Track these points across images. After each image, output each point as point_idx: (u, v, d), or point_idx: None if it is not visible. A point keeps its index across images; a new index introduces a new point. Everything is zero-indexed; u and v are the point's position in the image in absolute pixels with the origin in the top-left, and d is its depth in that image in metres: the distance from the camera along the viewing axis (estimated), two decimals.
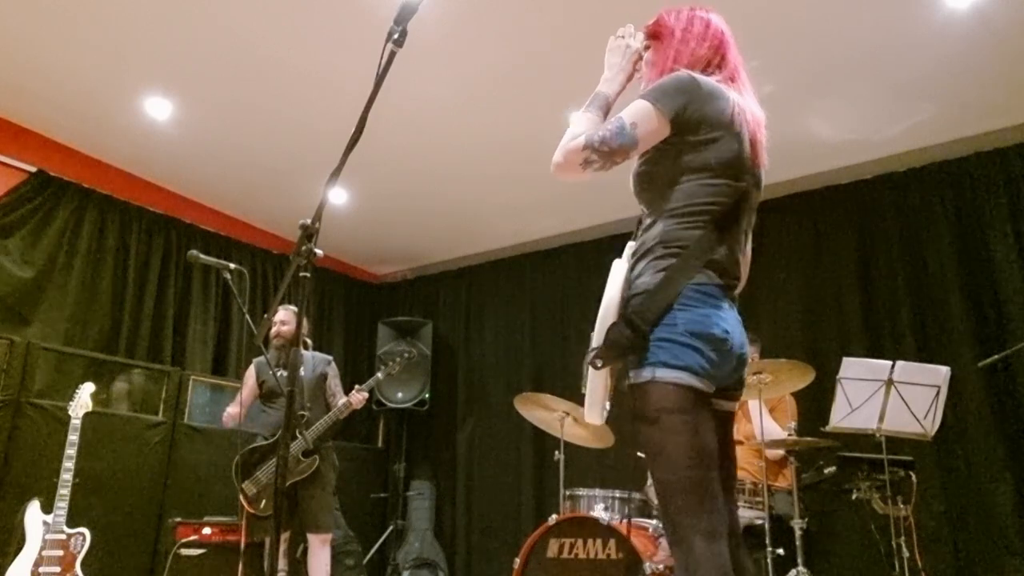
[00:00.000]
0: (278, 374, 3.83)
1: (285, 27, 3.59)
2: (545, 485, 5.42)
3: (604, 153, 1.58)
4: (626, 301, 1.57)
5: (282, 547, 3.78)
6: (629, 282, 1.60)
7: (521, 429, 5.38)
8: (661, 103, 1.58)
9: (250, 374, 4.01)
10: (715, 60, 1.72)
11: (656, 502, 1.54)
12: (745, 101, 1.68)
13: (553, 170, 1.65)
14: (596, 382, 1.55)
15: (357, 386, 3.89)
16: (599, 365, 1.52)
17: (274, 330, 3.99)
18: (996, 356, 3.45)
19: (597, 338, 1.54)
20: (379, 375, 4.00)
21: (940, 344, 4.12)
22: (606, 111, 1.72)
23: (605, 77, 1.80)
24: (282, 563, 3.77)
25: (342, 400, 3.86)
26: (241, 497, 3.72)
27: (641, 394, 1.51)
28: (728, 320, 1.56)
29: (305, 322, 4.07)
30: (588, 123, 1.66)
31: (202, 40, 3.69)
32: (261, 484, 3.72)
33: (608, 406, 1.60)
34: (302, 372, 3.89)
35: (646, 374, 1.49)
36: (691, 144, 1.59)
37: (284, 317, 4.03)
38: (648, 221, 1.66)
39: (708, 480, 1.47)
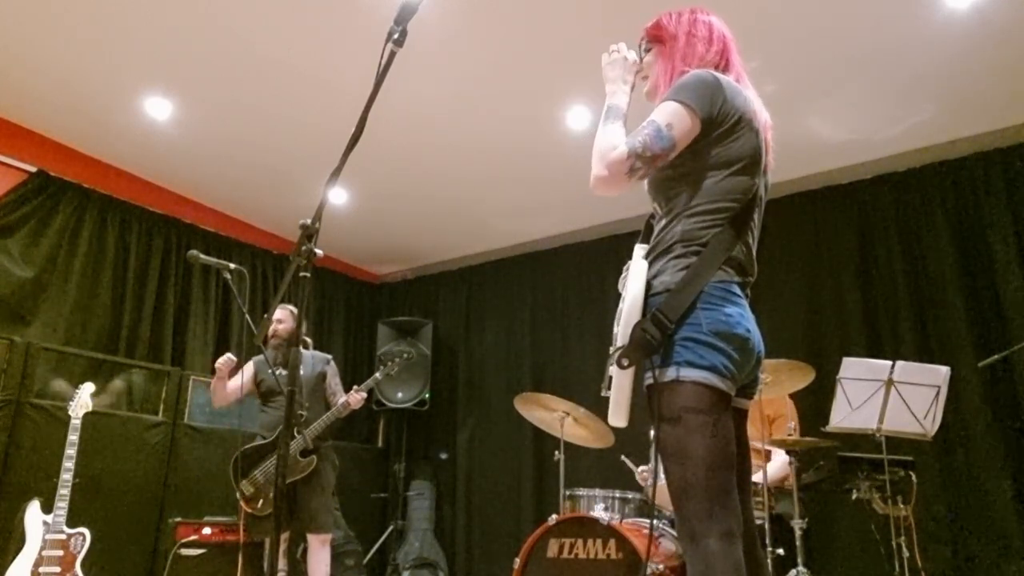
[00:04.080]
0: (277, 373, 3.83)
1: (285, 27, 3.59)
2: (545, 485, 5.42)
3: (647, 159, 1.56)
4: (646, 300, 1.55)
5: (282, 547, 3.77)
6: (648, 282, 1.58)
7: (521, 429, 5.38)
8: (691, 101, 1.57)
9: (248, 369, 4.00)
10: (721, 63, 1.72)
11: (670, 501, 1.53)
12: (757, 102, 1.69)
13: (596, 184, 1.61)
14: (622, 383, 1.52)
15: (356, 386, 3.89)
16: (625, 364, 1.50)
17: (271, 329, 3.99)
18: (996, 356, 3.45)
19: (621, 338, 1.52)
20: (378, 375, 3.99)
21: (940, 344, 4.12)
22: (624, 122, 1.70)
23: (611, 90, 1.76)
24: (282, 563, 3.77)
25: (341, 400, 3.86)
26: (238, 496, 3.72)
27: (664, 394, 1.50)
28: (748, 318, 1.57)
29: (293, 319, 4.09)
30: (617, 134, 1.63)
31: (202, 40, 3.69)
32: (259, 483, 3.72)
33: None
34: (301, 371, 3.89)
35: (670, 373, 1.48)
36: (716, 140, 1.59)
37: (281, 316, 4.03)
38: (664, 221, 1.65)
39: (727, 481, 1.47)
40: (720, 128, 1.59)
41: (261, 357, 3.94)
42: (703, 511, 1.44)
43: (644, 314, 1.53)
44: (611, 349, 1.55)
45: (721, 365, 1.48)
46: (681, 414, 1.47)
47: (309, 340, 4.21)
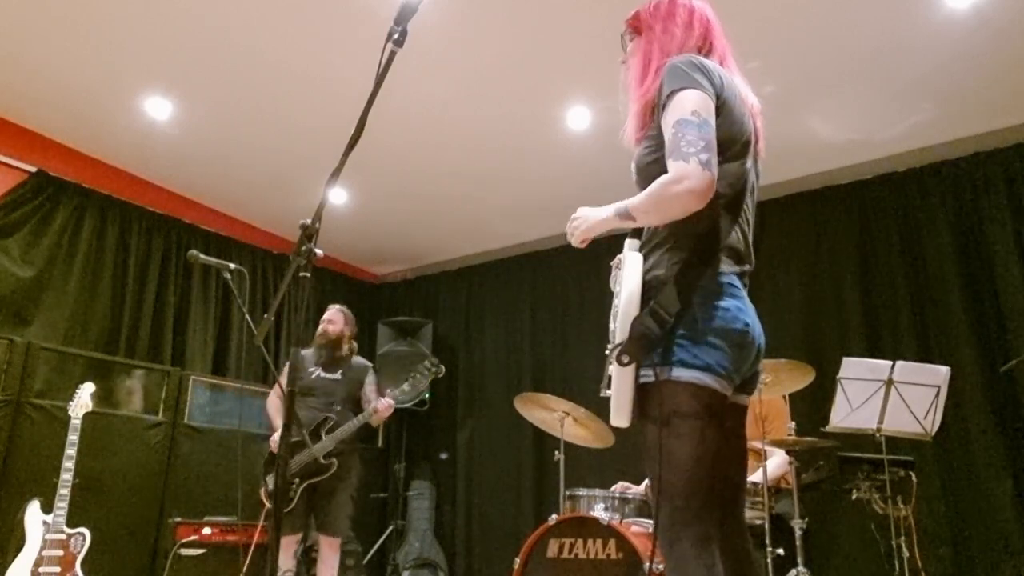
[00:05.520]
0: (313, 374, 3.88)
1: (285, 27, 3.58)
2: (545, 485, 5.42)
3: (702, 147, 1.44)
4: (643, 295, 1.48)
5: (292, 548, 3.75)
6: (642, 277, 1.51)
7: (521, 429, 5.38)
8: (697, 84, 1.50)
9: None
10: (704, 47, 1.67)
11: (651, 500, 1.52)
12: (744, 86, 1.65)
13: (694, 200, 1.44)
14: (623, 380, 1.45)
15: (389, 389, 3.86)
16: (626, 361, 1.44)
17: (320, 328, 4.01)
18: (1014, 361, 3.46)
19: (620, 334, 1.46)
20: (406, 387, 3.87)
21: (940, 344, 4.12)
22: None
23: (602, 215, 1.61)
24: (291, 563, 3.74)
25: (369, 407, 3.83)
26: (261, 491, 3.72)
27: (654, 393, 1.45)
28: (747, 311, 1.52)
29: (353, 326, 4.05)
30: (651, 183, 1.50)
31: (202, 40, 3.69)
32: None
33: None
34: (339, 375, 3.90)
35: (664, 373, 1.44)
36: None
37: (331, 316, 4.05)
38: None
39: (707, 486, 1.44)
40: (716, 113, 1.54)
41: (300, 353, 3.88)
42: (681, 514, 1.43)
43: (641, 308, 1.47)
44: (609, 347, 1.50)
45: (716, 364, 1.44)
46: (671, 416, 1.43)
47: (355, 344, 4.14)
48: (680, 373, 1.43)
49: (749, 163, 1.61)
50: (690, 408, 1.43)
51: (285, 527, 3.67)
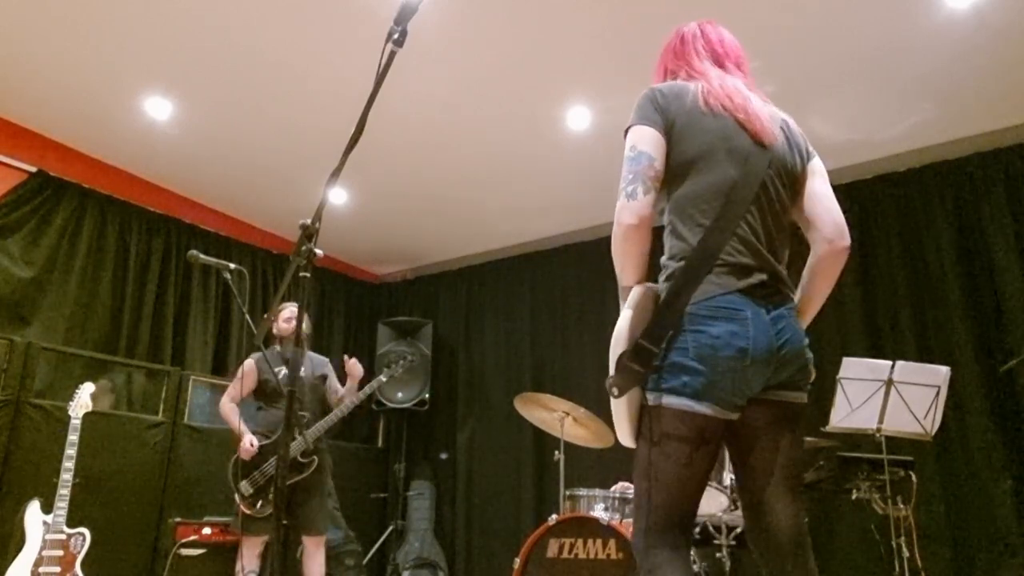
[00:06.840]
0: (280, 373, 3.82)
1: (285, 27, 3.59)
2: (545, 485, 5.42)
3: (630, 179, 1.55)
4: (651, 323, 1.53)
5: (257, 549, 3.73)
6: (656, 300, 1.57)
7: (521, 429, 5.38)
8: (641, 119, 1.60)
9: (250, 370, 3.93)
10: (676, 72, 1.77)
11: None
12: (714, 84, 1.65)
13: (629, 232, 1.54)
14: (619, 408, 1.54)
15: (353, 358, 3.90)
16: (616, 394, 1.51)
17: (282, 327, 3.97)
18: (1014, 361, 3.46)
19: (612, 367, 1.52)
20: (382, 377, 3.97)
21: (940, 344, 4.12)
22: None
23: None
24: (255, 564, 3.72)
25: (338, 396, 3.87)
26: (237, 497, 3.71)
27: (649, 416, 1.51)
28: (744, 332, 1.47)
29: (306, 320, 4.06)
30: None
31: (203, 40, 3.69)
32: (259, 484, 3.71)
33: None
34: (302, 372, 3.88)
35: (654, 399, 1.50)
36: (670, 150, 1.59)
37: (293, 314, 4.01)
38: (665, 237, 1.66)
39: (690, 506, 1.51)
40: (672, 136, 1.59)
41: (260, 355, 3.91)
42: (658, 528, 1.48)
43: (632, 341, 1.51)
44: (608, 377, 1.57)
45: (707, 390, 1.46)
46: (661, 439, 1.48)
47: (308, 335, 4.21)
48: (670, 400, 1.48)
49: (740, 166, 1.58)
50: (680, 433, 1.47)
51: (254, 529, 3.67)
